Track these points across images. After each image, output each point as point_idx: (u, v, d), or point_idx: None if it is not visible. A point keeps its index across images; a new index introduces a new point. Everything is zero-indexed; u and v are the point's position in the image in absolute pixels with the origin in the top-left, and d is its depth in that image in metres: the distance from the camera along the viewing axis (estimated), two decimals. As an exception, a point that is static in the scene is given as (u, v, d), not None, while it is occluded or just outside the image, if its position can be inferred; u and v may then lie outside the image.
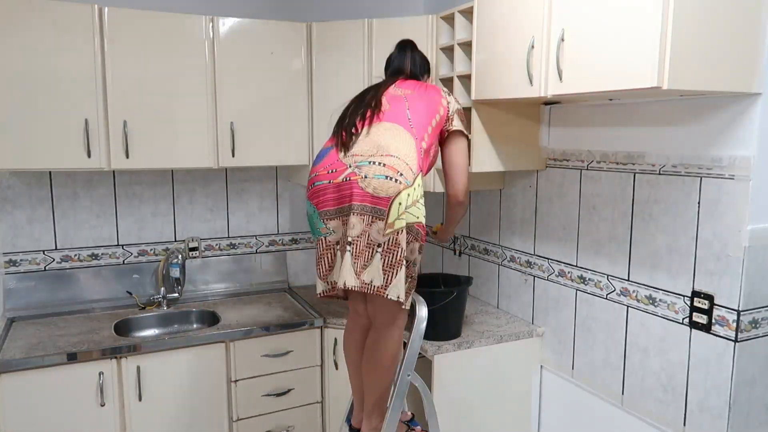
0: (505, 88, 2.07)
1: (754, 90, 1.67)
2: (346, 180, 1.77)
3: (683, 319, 1.92)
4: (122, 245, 2.92)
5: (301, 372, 2.71)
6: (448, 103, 2.02)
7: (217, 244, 3.11)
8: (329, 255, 1.86)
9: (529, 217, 2.59)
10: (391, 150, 1.79)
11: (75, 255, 2.84)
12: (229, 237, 3.13)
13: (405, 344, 2.00)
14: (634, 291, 2.10)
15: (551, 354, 2.51)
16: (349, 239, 1.77)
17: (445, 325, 2.38)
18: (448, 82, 2.56)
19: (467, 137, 2.07)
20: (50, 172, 2.75)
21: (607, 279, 2.20)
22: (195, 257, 3.05)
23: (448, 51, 2.55)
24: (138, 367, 2.40)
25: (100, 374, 2.33)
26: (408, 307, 1.86)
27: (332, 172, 1.81)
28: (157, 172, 2.95)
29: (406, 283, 1.81)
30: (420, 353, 2.15)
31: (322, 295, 1.93)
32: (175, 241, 3.02)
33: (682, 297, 1.92)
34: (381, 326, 1.90)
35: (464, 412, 2.42)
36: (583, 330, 2.33)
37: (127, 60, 2.48)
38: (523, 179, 2.61)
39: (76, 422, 2.32)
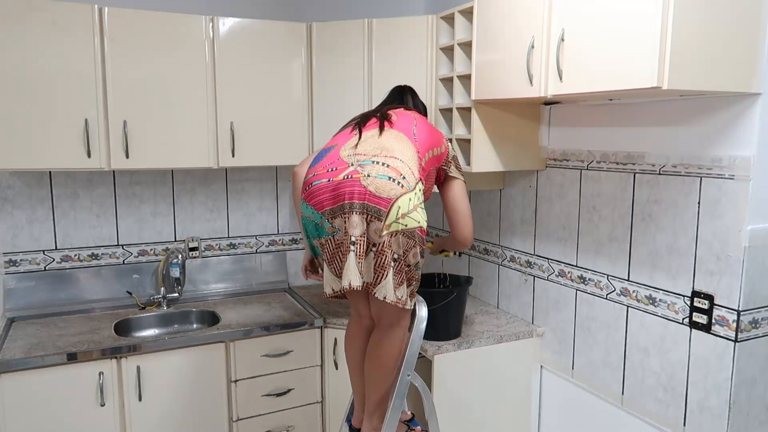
0: (505, 88, 2.07)
1: (754, 90, 1.67)
2: (347, 177, 1.76)
3: (683, 319, 1.92)
4: (122, 245, 2.92)
5: (301, 372, 2.71)
6: (448, 147, 2.06)
7: (217, 244, 3.11)
8: (340, 254, 1.81)
9: (529, 217, 2.59)
10: (396, 153, 1.79)
11: (75, 255, 2.84)
12: (229, 237, 3.13)
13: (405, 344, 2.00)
14: (634, 291, 2.10)
15: (551, 354, 2.51)
16: (353, 239, 1.75)
17: (445, 325, 2.38)
18: (448, 82, 2.56)
19: (464, 182, 2.09)
20: (50, 172, 2.75)
21: (607, 279, 2.20)
22: (195, 257, 3.05)
23: (448, 51, 2.55)
24: (138, 367, 2.40)
25: (100, 374, 2.33)
26: (411, 308, 1.86)
27: (332, 170, 1.80)
28: (157, 172, 2.95)
29: (409, 287, 1.81)
30: (420, 353, 2.15)
31: (331, 295, 1.87)
32: (175, 241, 3.02)
33: (682, 297, 1.92)
34: (386, 326, 1.90)
35: (464, 412, 2.42)
36: (583, 330, 2.33)
37: (127, 60, 2.48)
38: (523, 179, 2.61)
39: (76, 422, 2.32)
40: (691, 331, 1.90)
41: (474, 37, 2.24)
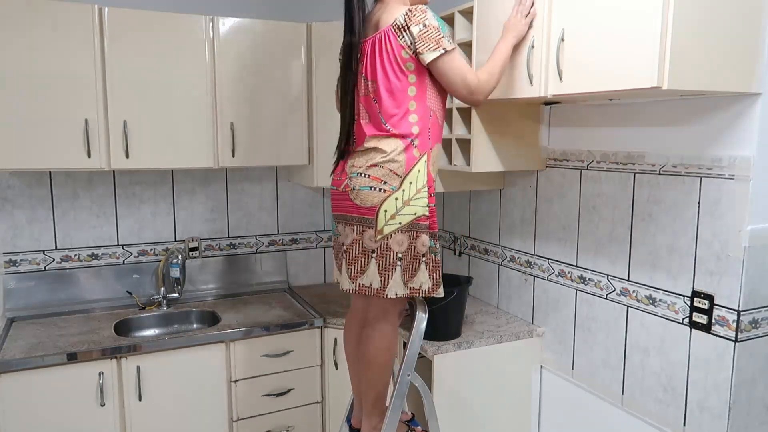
0: (505, 88, 2.06)
1: (754, 90, 1.67)
2: (344, 190, 1.88)
3: (683, 319, 1.92)
4: (122, 245, 2.92)
5: (301, 372, 2.72)
6: (401, 33, 1.76)
7: (217, 244, 3.11)
8: (340, 254, 1.96)
9: (529, 217, 2.59)
10: (377, 159, 1.81)
11: (75, 255, 2.84)
12: (229, 237, 3.13)
13: (405, 344, 2.00)
14: (634, 291, 2.10)
15: (551, 354, 2.50)
16: (344, 247, 1.88)
17: (445, 325, 2.38)
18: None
19: (446, 51, 1.77)
20: (50, 172, 2.75)
21: (607, 279, 2.20)
22: (195, 257, 3.05)
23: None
24: (138, 367, 2.40)
25: (100, 374, 2.33)
26: (441, 294, 1.88)
27: (338, 180, 1.93)
28: (157, 172, 2.95)
29: (433, 274, 1.83)
30: (420, 353, 2.15)
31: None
32: (175, 241, 3.02)
33: (682, 297, 1.92)
34: (372, 321, 1.93)
35: (464, 412, 2.42)
36: (583, 330, 2.33)
37: (127, 60, 2.48)
38: (523, 179, 2.61)
39: (76, 422, 2.32)
40: (691, 331, 1.90)
41: (474, 37, 2.23)
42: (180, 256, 2.93)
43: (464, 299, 2.45)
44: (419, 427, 2.13)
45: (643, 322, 2.07)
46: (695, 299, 1.87)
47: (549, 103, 2.38)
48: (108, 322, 2.63)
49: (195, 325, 2.87)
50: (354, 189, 1.82)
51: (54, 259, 2.80)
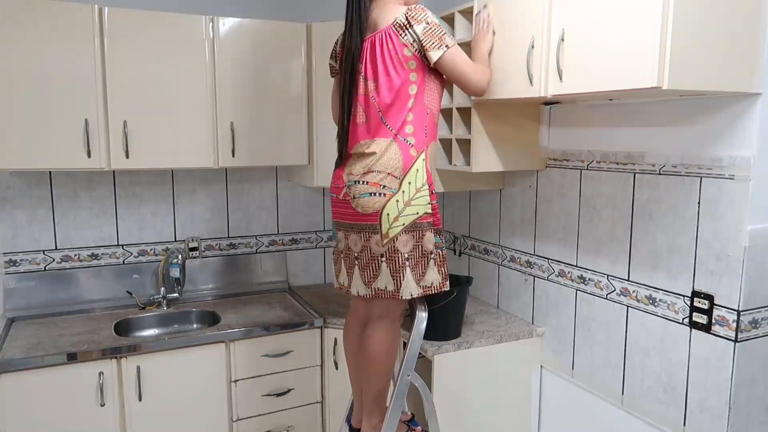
0: (505, 88, 2.06)
1: (754, 90, 1.67)
2: (344, 198, 1.89)
3: (683, 319, 1.92)
4: (122, 245, 2.92)
5: (301, 372, 2.71)
6: (404, 32, 1.77)
7: (217, 244, 3.11)
8: (339, 260, 2.00)
9: (529, 217, 2.59)
10: (374, 165, 1.81)
11: (75, 255, 2.84)
12: (229, 237, 3.13)
13: (405, 344, 2.01)
14: (634, 291, 2.10)
15: (551, 354, 2.50)
16: (356, 254, 1.89)
17: (445, 325, 2.38)
18: (448, 83, 2.55)
19: (449, 48, 1.81)
20: (50, 172, 2.75)
21: (607, 279, 2.20)
22: (195, 257, 3.05)
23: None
24: (138, 367, 2.40)
25: (100, 374, 2.33)
26: (448, 288, 1.90)
27: (337, 187, 1.94)
28: (157, 172, 2.95)
29: (441, 269, 1.87)
30: (420, 353, 2.15)
31: (336, 289, 2.05)
32: (175, 241, 3.02)
33: (682, 297, 1.92)
34: (375, 320, 1.95)
35: (464, 412, 2.42)
36: (583, 330, 2.33)
37: (127, 60, 2.48)
38: (523, 179, 2.61)
39: (76, 422, 2.32)
40: (691, 331, 1.90)
41: (474, 37, 2.23)
42: (180, 256, 2.93)
43: (464, 299, 2.45)
44: (419, 427, 2.13)
45: (643, 322, 2.07)
46: (695, 299, 1.87)
47: (549, 103, 2.38)
48: (108, 322, 2.63)
49: (195, 325, 2.87)
50: (354, 197, 1.84)
51: (54, 259, 2.80)
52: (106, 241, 2.89)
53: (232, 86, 2.68)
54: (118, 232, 2.91)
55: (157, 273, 2.94)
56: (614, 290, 2.18)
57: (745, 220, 1.72)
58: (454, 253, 3.13)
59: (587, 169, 2.26)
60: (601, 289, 2.23)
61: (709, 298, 1.82)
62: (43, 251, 2.78)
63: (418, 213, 1.81)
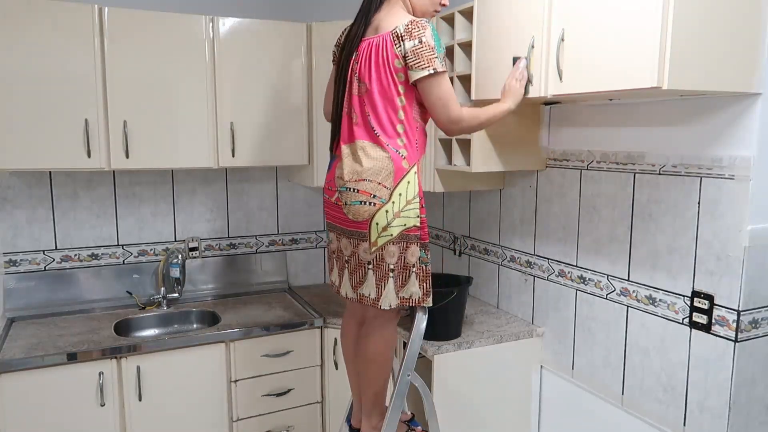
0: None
1: (754, 90, 1.67)
2: (336, 203, 1.90)
3: (683, 319, 1.92)
4: (122, 245, 2.92)
5: (301, 372, 2.72)
6: (399, 42, 1.75)
7: (217, 244, 3.11)
8: (332, 259, 2.02)
9: (529, 217, 2.59)
10: (365, 174, 1.80)
11: (75, 255, 2.84)
12: (229, 237, 3.13)
13: (405, 344, 2.01)
14: (634, 291, 2.10)
15: (551, 354, 2.50)
16: (346, 258, 1.91)
17: (445, 325, 2.38)
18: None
19: (435, 73, 1.75)
20: (50, 172, 2.75)
21: (607, 279, 2.20)
22: (195, 257, 3.05)
23: (448, 51, 2.54)
24: (138, 367, 2.40)
25: (100, 374, 2.33)
26: (430, 304, 1.89)
27: (330, 189, 1.94)
28: (157, 172, 2.95)
29: (422, 284, 1.85)
30: (420, 353, 2.15)
31: (330, 284, 2.08)
32: (175, 241, 3.03)
33: (682, 297, 1.92)
34: (371, 320, 1.95)
35: (464, 412, 2.42)
36: (583, 330, 2.33)
37: (127, 60, 2.48)
38: (523, 179, 2.61)
39: (76, 422, 2.32)
40: (691, 331, 1.90)
41: (474, 37, 2.23)
42: (180, 256, 2.93)
43: (464, 299, 2.45)
44: (419, 427, 2.13)
45: (643, 322, 2.07)
46: (695, 299, 1.87)
47: (549, 103, 2.38)
48: (108, 322, 2.64)
49: (195, 325, 2.87)
50: (345, 204, 1.84)
51: (54, 259, 2.80)
52: (106, 241, 2.89)
53: (232, 86, 2.68)
54: (118, 232, 2.91)
55: (157, 273, 2.94)
56: (614, 290, 2.18)
57: (745, 220, 1.72)
58: (454, 253, 3.13)
59: (587, 169, 2.26)
60: (601, 289, 2.23)
61: (709, 298, 1.82)
62: (43, 251, 2.78)
63: (406, 225, 1.81)
